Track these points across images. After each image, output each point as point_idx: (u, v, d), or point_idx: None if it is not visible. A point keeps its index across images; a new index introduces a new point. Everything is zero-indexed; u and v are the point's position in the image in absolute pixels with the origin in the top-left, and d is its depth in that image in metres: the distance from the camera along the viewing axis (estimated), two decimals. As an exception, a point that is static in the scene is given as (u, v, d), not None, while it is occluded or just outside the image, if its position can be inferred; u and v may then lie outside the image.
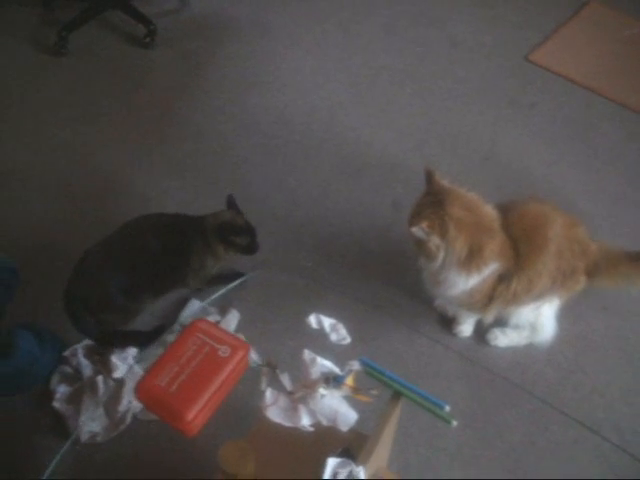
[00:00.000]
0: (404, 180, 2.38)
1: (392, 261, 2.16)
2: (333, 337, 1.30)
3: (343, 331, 1.31)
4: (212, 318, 2.02)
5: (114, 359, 1.87)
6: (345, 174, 2.42)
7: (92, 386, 1.83)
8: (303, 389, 1.21)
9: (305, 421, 1.19)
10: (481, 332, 1.99)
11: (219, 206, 2.00)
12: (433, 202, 1.68)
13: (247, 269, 2.09)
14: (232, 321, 2.03)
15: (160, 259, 1.90)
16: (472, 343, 1.98)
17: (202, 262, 1.96)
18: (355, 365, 1.25)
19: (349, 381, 1.24)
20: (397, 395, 1.24)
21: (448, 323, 2.01)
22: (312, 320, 1.31)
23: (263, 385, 1.24)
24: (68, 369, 1.91)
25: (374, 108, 2.66)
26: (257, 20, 3.03)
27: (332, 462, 1.12)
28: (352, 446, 1.28)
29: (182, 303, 2.05)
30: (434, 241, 1.65)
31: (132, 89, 2.73)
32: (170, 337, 1.96)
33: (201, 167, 2.44)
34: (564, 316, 1.94)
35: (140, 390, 1.19)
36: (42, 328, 1.90)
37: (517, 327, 1.95)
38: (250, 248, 1.99)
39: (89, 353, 1.92)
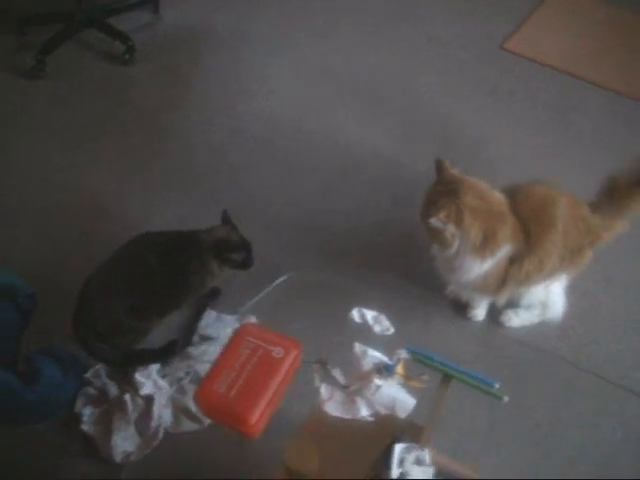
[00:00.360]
0: (399, 175, 2.43)
1: (398, 254, 2.20)
2: (377, 329, 1.34)
3: (386, 322, 1.35)
4: (231, 327, 2.03)
5: (138, 377, 1.86)
6: (341, 173, 2.46)
7: (121, 405, 1.82)
8: (358, 381, 1.24)
9: (364, 412, 1.22)
10: (494, 314, 2.04)
11: (219, 216, 2.00)
12: (446, 191, 1.73)
13: (260, 273, 2.10)
14: (251, 327, 2.05)
15: (161, 278, 1.88)
16: (486, 326, 2.04)
17: (202, 280, 1.95)
18: (403, 354, 1.29)
19: (399, 369, 1.27)
20: (447, 378, 1.28)
21: (461, 309, 2.06)
22: (355, 314, 1.34)
23: (317, 381, 1.27)
24: (92, 391, 1.89)
25: (360, 107, 2.70)
26: (235, 29, 3.04)
27: (398, 448, 1.15)
28: (402, 434, 1.32)
29: (198, 314, 2.05)
30: (450, 230, 1.69)
31: (116, 107, 2.72)
32: (191, 349, 1.97)
33: (197, 178, 2.45)
34: (571, 292, 2.01)
35: (200, 398, 1.20)
36: (61, 352, 1.87)
37: (529, 307, 2.02)
38: (245, 263, 1.97)
39: (112, 373, 1.91)
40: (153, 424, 1.80)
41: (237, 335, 1.26)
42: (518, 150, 2.52)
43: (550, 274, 1.90)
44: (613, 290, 2.12)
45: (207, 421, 1.82)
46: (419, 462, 1.16)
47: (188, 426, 1.83)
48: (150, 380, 1.87)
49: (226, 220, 1.99)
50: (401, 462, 1.15)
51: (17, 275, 1.77)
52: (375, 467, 1.29)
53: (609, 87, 2.70)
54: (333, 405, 1.23)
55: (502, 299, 1.94)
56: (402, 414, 1.22)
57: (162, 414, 1.82)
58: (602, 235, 1.89)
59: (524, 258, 1.81)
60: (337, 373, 1.27)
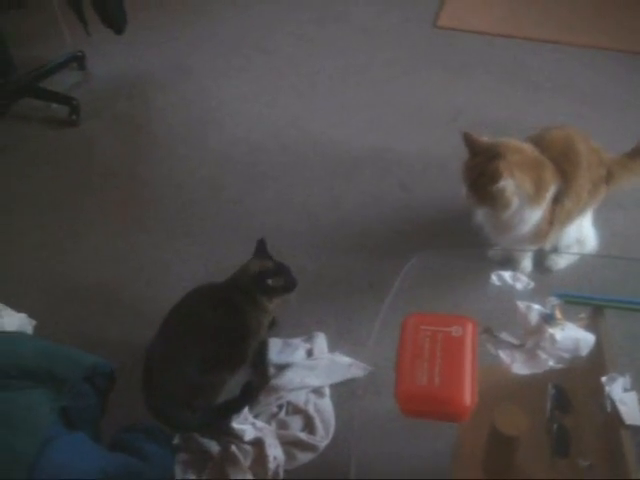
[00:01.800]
0: (396, 162, 2.47)
1: (428, 235, 2.22)
2: (518, 286, 1.36)
3: (524, 278, 1.38)
4: (302, 348, 1.97)
5: (236, 425, 1.75)
6: (342, 175, 2.45)
7: (230, 458, 1.71)
8: (532, 336, 1.25)
9: (550, 362, 1.23)
10: (539, 265, 2.11)
11: (240, 245, 1.94)
12: (489, 158, 1.76)
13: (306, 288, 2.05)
14: (322, 344, 1.98)
15: (221, 329, 1.79)
16: (538, 275, 2.10)
17: (258, 321, 1.87)
18: (554, 300, 1.31)
19: (558, 315, 1.30)
20: (599, 309, 1.33)
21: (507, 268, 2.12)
22: (494, 278, 1.36)
23: (492, 350, 1.27)
24: (185, 456, 1.77)
25: (330, 109, 2.72)
26: (171, 67, 2.97)
27: (604, 379, 1.18)
28: (562, 381, 1.35)
29: (263, 347, 1.97)
30: (510, 189, 1.74)
31: (83, 171, 2.56)
32: (274, 381, 1.88)
33: (200, 217, 2.35)
34: (595, 224, 2.13)
35: (404, 399, 1.16)
36: (146, 425, 1.73)
37: (567, 247, 2.12)
38: (289, 286, 1.90)
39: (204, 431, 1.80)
40: (271, 466, 1.70)
41: (408, 329, 1.22)
42: (491, 112, 2.62)
43: (582, 209, 2.00)
44: (627, 212, 2.26)
45: (322, 445, 1.77)
46: (625, 389, 1.19)
47: (302, 458, 1.75)
48: (248, 424, 1.78)
49: (260, 249, 1.91)
50: (610, 394, 1.19)
51: (93, 355, 1.61)
52: (552, 416, 1.33)
53: (543, 39, 2.89)
54: (519, 366, 1.23)
55: (549, 243, 2.02)
56: (584, 351, 1.24)
57: (275, 454, 1.74)
58: (616, 172, 2.02)
59: (564, 196, 1.90)
60: (506, 336, 1.28)
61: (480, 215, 1.96)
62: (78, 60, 2.95)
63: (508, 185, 1.73)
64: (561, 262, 2.12)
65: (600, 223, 2.17)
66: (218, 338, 1.79)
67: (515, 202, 1.79)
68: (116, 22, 2.71)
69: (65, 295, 2.15)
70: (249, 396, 1.84)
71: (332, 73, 2.88)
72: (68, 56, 2.93)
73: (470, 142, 1.84)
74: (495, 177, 1.71)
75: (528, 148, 1.87)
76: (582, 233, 2.10)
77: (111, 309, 2.10)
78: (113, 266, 2.23)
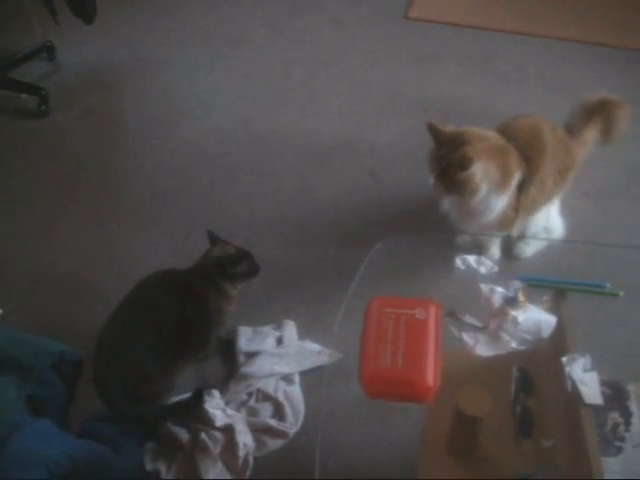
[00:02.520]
0: (367, 151, 2.48)
1: (398, 223, 2.24)
2: (482, 270, 1.38)
3: (488, 262, 1.39)
4: (272, 336, 1.98)
5: (210, 409, 1.75)
6: (313, 165, 2.46)
7: (200, 446, 1.71)
8: (495, 318, 1.27)
9: (513, 344, 1.25)
10: (506, 253, 2.13)
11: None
12: (455, 147, 1.78)
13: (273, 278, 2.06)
14: (292, 332, 2.00)
15: (176, 314, 1.77)
16: (505, 263, 2.13)
17: (220, 307, 1.86)
18: (517, 283, 1.33)
19: (521, 297, 1.32)
20: (561, 292, 1.35)
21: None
22: (459, 262, 1.38)
23: (455, 332, 1.28)
24: (154, 445, 1.76)
25: (302, 100, 2.72)
26: (143, 56, 2.95)
27: (564, 360, 1.21)
28: (526, 363, 1.38)
29: (232, 335, 1.97)
30: (478, 174, 1.76)
31: (53, 162, 2.53)
32: (244, 369, 1.89)
33: (171, 207, 2.34)
34: (562, 213, 2.16)
35: (367, 381, 1.17)
36: (109, 414, 1.72)
37: (535, 235, 2.15)
38: (253, 271, 1.90)
39: (174, 419, 1.79)
40: (241, 453, 1.71)
41: (372, 312, 1.23)
42: (463, 101, 2.63)
43: (548, 198, 2.03)
44: (592, 201, 2.29)
45: (292, 431, 1.77)
46: (585, 369, 1.21)
47: (273, 444, 1.76)
48: (219, 409, 1.78)
49: (214, 239, 1.91)
50: (572, 375, 1.21)
51: (62, 343, 1.60)
52: (516, 398, 1.35)
53: (511, 30, 2.92)
54: (482, 347, 1.25)
55: (516, 230, 2.05)
56: (546, 333, 1.26)
57: (245, 441, 1.74)
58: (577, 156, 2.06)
59: (529, 184, 1.92)
60: (470, 319, 1.29)
61: (446, 203, 1.98)
62: (47, 50, 2.91)
63: (477, 170, 1.76)
64: (528, 250, 2.15)
65: (567, 212, 2.21)
66: (175, 323, 1.77)
67: (483, 188, 1.81)
68: (86, 12, 2.67)
69: (34, 285, 2.14)
70: (197, 402, 1.78)
71: (303, 64, 2.88)
72: (37, 46, 2.89)
73: (435, 132, 1.85)
74: (465, 163, 1.73)
75: (492, 136, 1.89)
76: (549, 221, 2.13)
77: (80, 299, 2.09)
78: (83, 256, 2.22)
